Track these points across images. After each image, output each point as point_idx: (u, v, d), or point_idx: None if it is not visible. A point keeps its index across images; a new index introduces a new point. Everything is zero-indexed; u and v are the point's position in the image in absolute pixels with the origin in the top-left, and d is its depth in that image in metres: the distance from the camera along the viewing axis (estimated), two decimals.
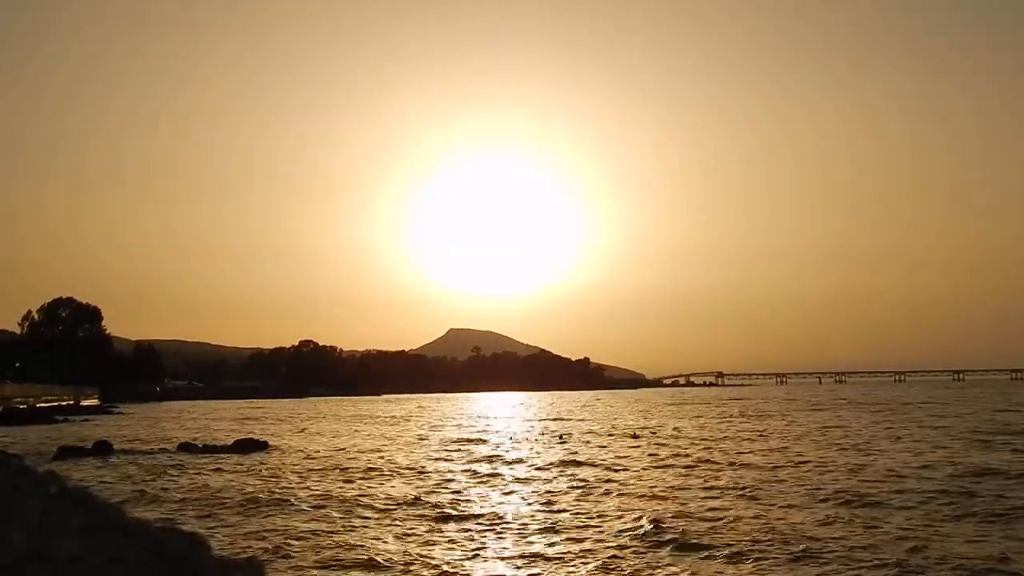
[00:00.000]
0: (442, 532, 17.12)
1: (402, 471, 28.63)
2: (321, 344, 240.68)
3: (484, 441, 43.36)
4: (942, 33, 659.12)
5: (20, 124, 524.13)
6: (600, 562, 13.98)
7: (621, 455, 33.20)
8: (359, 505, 20.84)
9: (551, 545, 15.42)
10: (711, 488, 22.31)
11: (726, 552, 14.32)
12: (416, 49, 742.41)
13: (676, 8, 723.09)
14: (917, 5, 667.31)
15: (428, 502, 21.11)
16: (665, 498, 20.85)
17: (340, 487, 24.42)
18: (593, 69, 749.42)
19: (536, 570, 13.72)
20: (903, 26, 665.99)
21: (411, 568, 14.03)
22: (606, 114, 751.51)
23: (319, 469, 29.69)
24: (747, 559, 13.85)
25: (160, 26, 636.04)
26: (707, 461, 29.59)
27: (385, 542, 16.12)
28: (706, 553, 14.34)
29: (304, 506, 20.74)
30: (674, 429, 50.46)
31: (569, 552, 14.78)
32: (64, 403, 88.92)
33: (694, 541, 15.18)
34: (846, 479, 23.41)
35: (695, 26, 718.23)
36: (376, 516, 19.19)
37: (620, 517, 18.06)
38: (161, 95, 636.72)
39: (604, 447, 37.61)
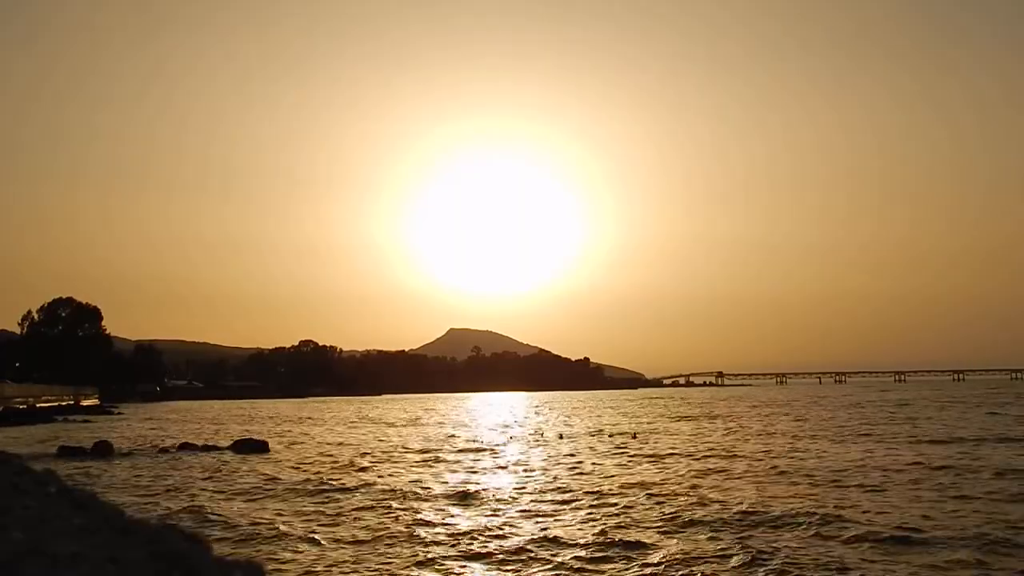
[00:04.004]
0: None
1: (409, 473, 28.61)
2: (321, 344, 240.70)
3: (491, 449, 43.33)
4: (942, 33, 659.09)
5: (19, 123, 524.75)
6: None
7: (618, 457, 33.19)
8: (362, 507, 20.82)
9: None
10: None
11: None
12: (417, 49, 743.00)
13: (675, 8, 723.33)
14: (917, 5, 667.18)
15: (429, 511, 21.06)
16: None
17: (340, 487, 24.40)
18: (593, 69, 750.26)
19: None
20: (903, 26, 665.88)
21: None
22: (606, 114, 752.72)
23: (319, 470, 29.68)
24: None
25: (160, 26, 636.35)
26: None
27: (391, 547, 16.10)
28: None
29: (304, 507, 20.73)
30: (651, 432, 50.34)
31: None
32: (64, 403, 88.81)
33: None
34: None
35: (694, 26, 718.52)
36: (376, 519, 19.17)
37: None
38: (161, 95, 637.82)
39: (597, 447, 37.62)
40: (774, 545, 14.79)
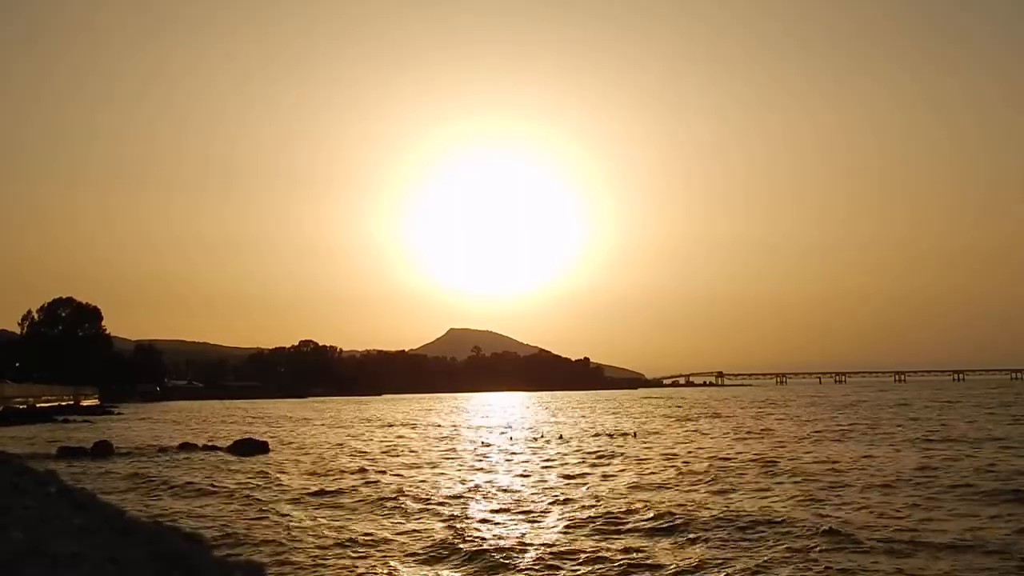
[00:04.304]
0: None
1: (409, 474, 28.60)
2: (321, 344, 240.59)
3: (490, 449, 43.28)
4: (942, 33, 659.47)
5: (19, 123, 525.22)
6: None
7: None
8: (362, 508, 20.81)
9: None
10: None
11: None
12: (417, 49, 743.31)
13: (675, 8, 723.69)
14: (917, 5, 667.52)
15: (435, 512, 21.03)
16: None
17: (340, 488, 24.39)
18: (593, 69, 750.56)
19: None
20: (903, 26, 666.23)
21: None
22: (606, 114, 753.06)
23: (319, 470, 29.68)
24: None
25: (160, 26, 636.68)
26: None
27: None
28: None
29: (304, 507, 20.73)
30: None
31: None
32: (64, 403, 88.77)
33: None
34: None
35: (694, 26, 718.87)
36: (376, 519, 19.16)
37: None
38: (161, 95, 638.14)
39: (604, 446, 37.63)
40: (775, 547, 14.80)
